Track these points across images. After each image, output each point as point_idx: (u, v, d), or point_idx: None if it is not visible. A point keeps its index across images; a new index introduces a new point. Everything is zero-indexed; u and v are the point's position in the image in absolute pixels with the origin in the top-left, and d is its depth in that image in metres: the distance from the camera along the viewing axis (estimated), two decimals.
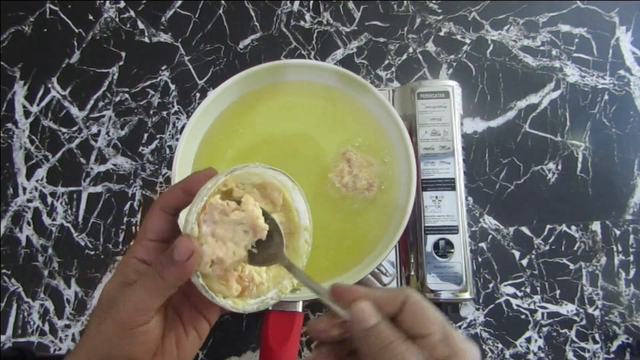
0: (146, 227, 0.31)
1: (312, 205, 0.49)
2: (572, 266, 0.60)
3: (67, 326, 0.62)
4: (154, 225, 0.31)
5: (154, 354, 0.30)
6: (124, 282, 0.30)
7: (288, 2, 0.72)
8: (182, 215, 0.32)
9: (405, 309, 0.27)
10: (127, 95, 0.70)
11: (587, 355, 0.57)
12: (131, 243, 0.64)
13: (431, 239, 0.51)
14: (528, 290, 0.59)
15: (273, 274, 0.33)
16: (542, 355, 0.57)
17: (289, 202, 0.34)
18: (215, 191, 0.31)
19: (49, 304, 0.62)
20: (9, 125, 0.70)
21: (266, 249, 0.31)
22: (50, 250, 0.64)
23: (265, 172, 0.33)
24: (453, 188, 0.52)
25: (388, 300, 0.27)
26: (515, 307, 0.59)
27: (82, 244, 0.64)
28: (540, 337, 0.58)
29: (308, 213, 0.34)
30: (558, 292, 0.59)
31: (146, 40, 0.72)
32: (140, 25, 0.73)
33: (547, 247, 0.61)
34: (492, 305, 0.59)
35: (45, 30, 0.74)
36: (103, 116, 0.69)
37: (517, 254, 0.61)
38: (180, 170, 0.48)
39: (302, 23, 0.71)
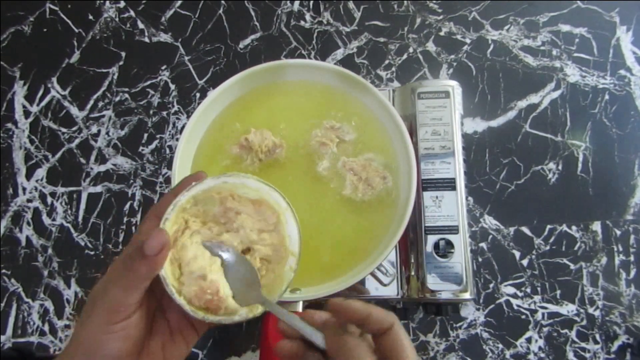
0: (140, 232, 0.32)
1: (315, 206, 0.49)
2: (572, 266, 0.60)
3: (67, 326, 0.62)
4: (148, 230, 0.31)
5: (139, 354, 0.31)
6: (109, 281, 0.30)
7: (288, 2, 0.72)
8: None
9: (389, 333, 0.29)
10: (127, 95, 0.70)
11: (587, 355, 0.57)
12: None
13: (431, 239, 0.51)
14: (528, 290, 0.59)
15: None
16: (542, 355, 0.57)
17: (282, 224, 0.33)
18: (208, 196, 0.32)
19: (49, 304, 0.62)
20: (9, 125, 0.70)
21: (244, 289, 0.32)
22: (50, 250, 0.64)
23: (261, 187, 0.33)
24: (453, 188, 0.52)
25: (378, 321, 0.29)
26: (515, 307, 0.59)
27: (82, 244, 0.64)
28: (540, 337, 0.58)
29: (299, 238, 0.33)
30: (558, 292, 0.59)
31: (146, 40, 0.72)
32: (140, 25, 0.73)
33: (548, 247, 0.61)
34: (492, 306, 0.59)
35: (45, 30, 0.74)
36: (103, 116, 0.69)
37: (517, 254, 0.61)
38: (180, 170, 0.48)
39: (302, 23, 0.71)
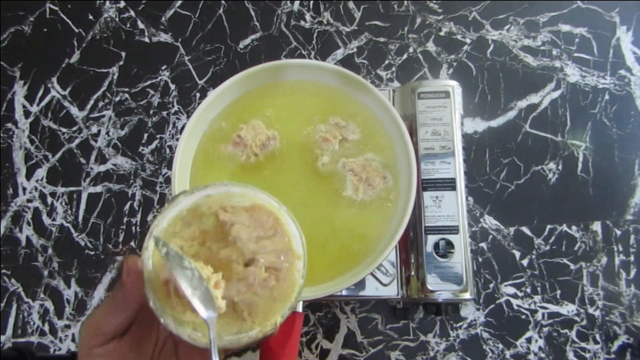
0: None
1: (315, 204, 0.49)
2: (572, 266, 0.60)
3: (67, 326, 0.62)
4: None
5: None
6: (96, 307, 0.31)
7: (288, 2, 0.72)
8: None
9: None
10: (127, 95, 0.70)
11: (587, 355, 0.57)
12: (131, 244, 0.64)
13: (431, 239, 0.51)
14: (528, 290, 0.59)
15: (263, 310, 0.29)
16: (542, 355, 0.57)
17: (283, 225, 0.31)
18: (198, 214, 0.30)
19: (49, 304, 0.62)
20: (9, 125, 0.70)
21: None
22: (50, 250, 0.64)
23: (246, 192, 0.31)
24: (453, 188, 0.52)
25: None
26: (515, 307, 0.59)
27: (82, 244, 0.64)
28: (540, 337, 0.58)
29: (301, 238, 0.31)
30: (558, 292, 0.59)
31: (146, 40, 0.72)
32: (140, 25, 0.73)
33: (548, 247, 0.61)
34: (492, 306, 0.59)
35: (45, 30, 0.74)
36: (103, 116, 0.69)
37: (517, 254, 0.61)
38: (180, 170, 0.48)
39: (302, 23, 0.71)
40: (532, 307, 0.59)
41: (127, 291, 0.28)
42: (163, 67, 0.70)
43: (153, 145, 0.68)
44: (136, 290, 0.29)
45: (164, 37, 0.72)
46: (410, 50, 0.69)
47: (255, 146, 0.49)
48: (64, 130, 0.69)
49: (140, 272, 0.29)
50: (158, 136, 0.68)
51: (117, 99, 0.70)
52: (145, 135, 0.68)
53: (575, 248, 0.61)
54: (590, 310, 0.58)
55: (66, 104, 0.70)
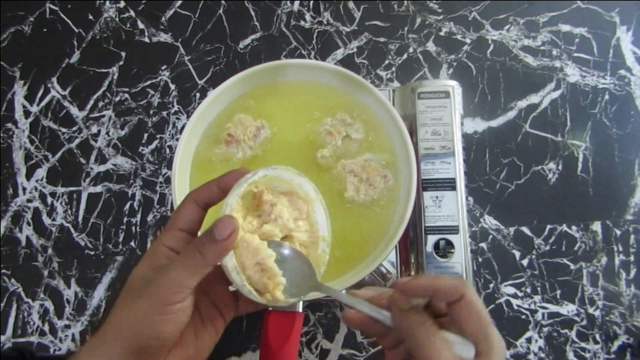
0: (177, 217, 0.32)
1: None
2: (572, 266, 0.60)
3: (67, 326, 0.62)
4: (185, 216, 0.31)
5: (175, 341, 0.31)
6: (156, 265, 0.30)
7: (288, 2, 0.72)
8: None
9: (461, 303, 0.28)
10: (127, 95, 0.70)
11: (587, 355, 0.57)
12: (131, 243, 0.64)
13: (431, 239, 0.51)
14: (528, 290, 0.59)
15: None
16: (542, 355, 0.57)
17: (310, 212, 0.35)
18: (246, 189, 0.33)
19: (49, 304, 0.62)
20: (9, 125, 0.70)
21: (299, 281, 0.33)
22: (50, 250, 0.64)
23: (293, 179, 0.34)
24: (453, 188, 0.52)
25: (446, 295, 0.29)
26: (515, 308, 0.59)
27: (82, 244, 0.64)
28: (540, 337, 0.58)
29: (327, 224, 0.35)
30: (558, 292, 0.59)
31: (146, 40, 0.72)
32: (140, 25, 0.73)
33: (548, 247, 0.61)
34: (492, 306, 0.59)
35: (45, 30, 0.74)
36: (103, 116, 0.69)
37: (517, 254, 0.61)
38: (180, 170, 0.48)
39: (302, 23, 0.71)
40: (532, 307, 0.59)
41: (224, 247, 0.29)
42: (163, 67, 0.70)
43: (153, 145, 0.68)
44: (229, 249, 0.29)
45: (164, 37, 0.72)
46: (410, 50, 0.69)
47: (248, 139, 0.49)
48: (64, 130, 0.69)
49: (237, 231, 0.30)
50: (158, 136, 0.68)
51: (117, 99, 0.70)
52: (145, 135, 0.68)
53: (575, 248, 0.61)
54: (590, 310, 0.58)
55: (66, 104, 0.70)
